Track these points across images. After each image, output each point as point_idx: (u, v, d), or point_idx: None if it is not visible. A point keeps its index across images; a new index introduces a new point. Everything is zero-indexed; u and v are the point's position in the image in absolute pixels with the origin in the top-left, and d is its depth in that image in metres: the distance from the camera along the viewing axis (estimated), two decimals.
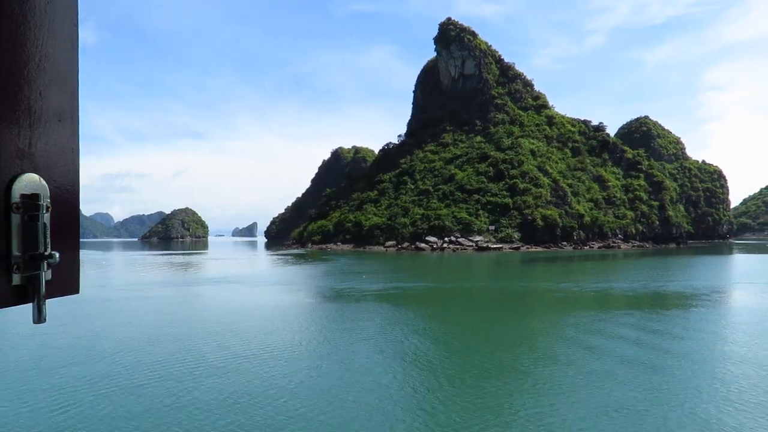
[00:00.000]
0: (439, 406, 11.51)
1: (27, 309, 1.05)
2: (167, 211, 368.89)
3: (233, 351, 16.76)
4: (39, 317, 1.04)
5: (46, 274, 1.06)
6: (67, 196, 1.14)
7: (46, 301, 1.06)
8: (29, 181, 1.04)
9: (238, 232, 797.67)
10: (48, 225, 1.06)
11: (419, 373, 14.40)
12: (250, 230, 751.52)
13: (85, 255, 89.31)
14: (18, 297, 1.02)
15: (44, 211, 1.06)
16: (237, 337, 18.91)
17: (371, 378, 13.62)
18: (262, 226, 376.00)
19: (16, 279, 1.01)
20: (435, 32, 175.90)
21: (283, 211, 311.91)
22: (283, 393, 12.35)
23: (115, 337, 18.93)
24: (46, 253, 1.05)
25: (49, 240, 1.06)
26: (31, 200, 1.03)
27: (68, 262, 1.13)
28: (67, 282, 1.14)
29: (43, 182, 1.07)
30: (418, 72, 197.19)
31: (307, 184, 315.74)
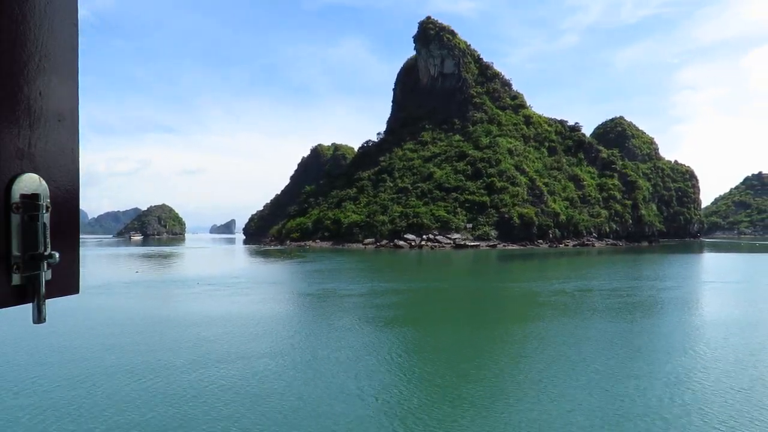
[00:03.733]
0: (415, 410, 11.72)
1: (27, 309, 1.06)
2: (143, 208, 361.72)
3: (207, 357, 16.73)
4: (39, 317, 1.04)
5: (46, 274, 1.06)
6: (66, 196, 1.14)
7: (46, 301, 1.06)
8: (29, 181, 1.04)
9: (215, 229, 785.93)
10: (48, 225, 1.07)
11: (397, 378, 14.60)
12: (228, 227, 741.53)
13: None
14: (18, 297, 1.03)
15: (44, 211, 1.06)
16: (212, 343, 18.87)
17: (347, 385, 13.77)
18: (241, 223, 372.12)
19: (16, 279, 1.02)
20: (410, 27, 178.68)
21: (261, 208, 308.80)
22: (258, 399, 12.44)
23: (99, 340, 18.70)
24: (46, 253, 1.05)
25: (49, 240, 1.06)
26: (31, 200, 1.04)
27: (68, 262, 1.13)
28: (67, 282, 1.15)
29: (43, 182, 1.07)
30: (397, 69, 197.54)
31: (287, 181, 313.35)
